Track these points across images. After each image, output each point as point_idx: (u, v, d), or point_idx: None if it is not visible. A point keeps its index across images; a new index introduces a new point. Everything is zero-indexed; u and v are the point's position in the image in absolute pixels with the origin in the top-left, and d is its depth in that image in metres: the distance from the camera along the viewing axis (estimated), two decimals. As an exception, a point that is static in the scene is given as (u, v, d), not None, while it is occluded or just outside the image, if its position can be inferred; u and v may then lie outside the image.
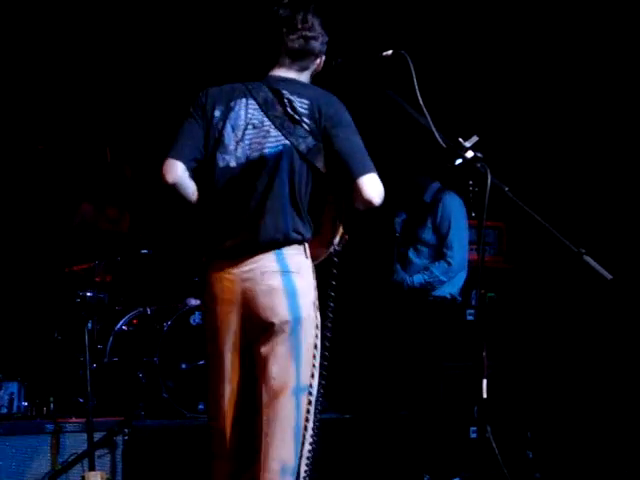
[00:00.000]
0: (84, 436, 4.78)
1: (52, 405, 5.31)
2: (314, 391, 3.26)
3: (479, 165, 3.08)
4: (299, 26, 3.36)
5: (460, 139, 3.14)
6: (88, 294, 5.54)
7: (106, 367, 5.69)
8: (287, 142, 3.24)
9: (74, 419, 4.99)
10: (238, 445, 3.30)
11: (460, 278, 5.80)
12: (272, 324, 3.19)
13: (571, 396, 6.11)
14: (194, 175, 3.31)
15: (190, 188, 3.31)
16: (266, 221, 3.21)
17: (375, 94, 3.25)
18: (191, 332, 5.70)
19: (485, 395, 3.05)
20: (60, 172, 6.86)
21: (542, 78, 6.58)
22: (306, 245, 3.28)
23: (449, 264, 5.71)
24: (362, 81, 3.28)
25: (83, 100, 7.06)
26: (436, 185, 5.96)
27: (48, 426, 4.84)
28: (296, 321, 3.20)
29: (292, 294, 3.21)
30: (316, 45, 3.39)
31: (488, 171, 3.04)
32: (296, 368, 3.21)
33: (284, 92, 3.29)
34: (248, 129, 3.28)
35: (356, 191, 3.19)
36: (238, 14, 6.15)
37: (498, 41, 6.60)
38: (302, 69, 3.41)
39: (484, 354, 3.05)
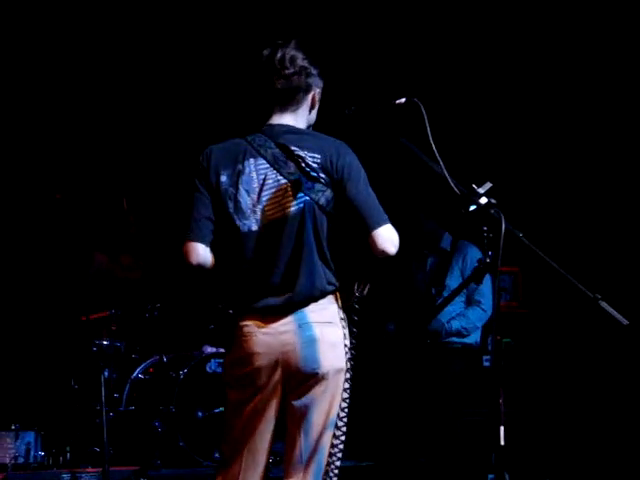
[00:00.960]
0: (101, 486, 4.77)
1: (68, 454, 5.30)
2: (343, 439, 3.28)
3: (493, 211, 3.09)
4: (278, 66, 3.33)
5: (474, 185, 3.15)
6: (104, 343, 5.56)
7: (122, 416, 5.69)
8: (307, 198, 3.25)
9: (90, 469, 4.99)
10: None
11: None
12: (314, 374, 3.22)
13: (589, 443, 6.04)
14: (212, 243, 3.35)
15: (210, 260, 3.34)
16: (301, 280, 3.23)
17: (389, 142, 3.27)
18: (207, 380, 5.69)
19: (503, 442, 3.03)
20: (77, 221, 6.90)
21: (556, 125, 6.61)
22: (337, 294, 3.31)
23: (484, 311, 5.72)
24: (376, 129, 3.30)
25: (101, 150, 7.13)
26: (447, 233, 5.99)
27: (64, 476, 4.85)
28: (336, 370, 3.24)
29: (331, 344, 3.24)
30: (301, 80, 3.35)
31: (502, 217, 3.04)
32: (335, 416, 3.25)
33: (293, 148, 3.28)
34: (264, 190, 3.28)
35: (372, 243, 3.22)
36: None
37: (512, 88, 6.63)
38: (296, 109, 3.38)
39: (501, 401, 3.03)
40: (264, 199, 3.28)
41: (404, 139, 3.24)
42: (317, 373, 3.21)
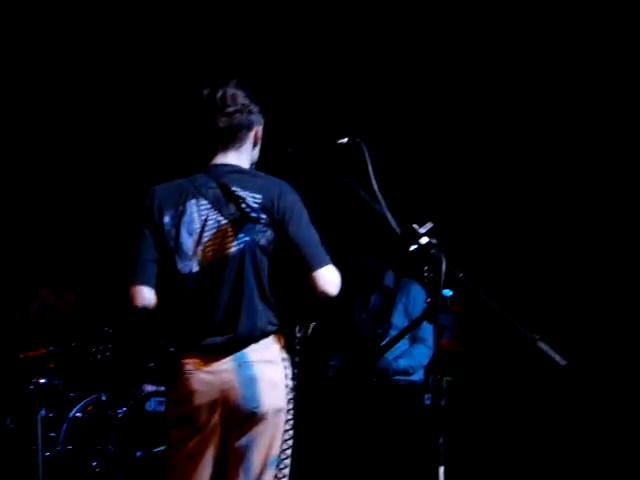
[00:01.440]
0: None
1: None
2: (286, 478, 3.29)
3: (434, 251, 3.11)
4: (220, 104, 3.35)
5: (415, 225, 3.17)
6: (42, 380, 5.46)
7: (60, 456, 5.58)
8: (248, 239, 3.26)
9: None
10: None
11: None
12: (254, 414, 3.21)
13: (529, 477, 6.09)
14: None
15: (154, 302, 3.35)
16: (242, 320, 3.24)
17: (331, 181, 3.28)
18: (147, 419, 5.63)
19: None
20: (18, 257, 6.82)
21: (491, 166, 6.70)
22: (279, 334, 3.32)
23: (429, 348, 5.73)
24: (318, 168, 3.31)
25: (40, 187, 7.06)
26: (390, 270, 6.01)
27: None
28: (276, 410, 3.24)
29: (271, 383, 3.25)
30: (243, 118, 3.38)
31: (443, 257, 3.06)
32: (276, 456, 3.25)
33: (234, 188, 3.29)
34: (206, 231, 3.29)
35: (313, 283, 3.24)
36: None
37: (450, 130, 6.72)
38: (239, 146, 3.41)
39: (441, 440, 3.03)
40: (205, 240, 3.28)
41: (347, 179, 3.25)
42: (256, 413, 3.21)
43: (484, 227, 6.74)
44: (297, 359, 3.34)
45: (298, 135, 3.53)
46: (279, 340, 3.31)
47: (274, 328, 3.29)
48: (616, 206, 6.32)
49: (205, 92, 3.40)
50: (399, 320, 5.84)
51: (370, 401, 5.76)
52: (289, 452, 3.28)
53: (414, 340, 5.83)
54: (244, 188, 3.29)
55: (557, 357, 2.97)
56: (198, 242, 3.29)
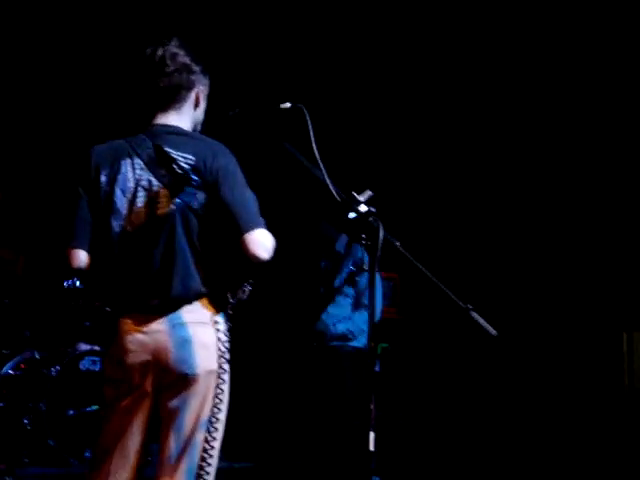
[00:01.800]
0: (-36, 484, 4.64)
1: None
2: (217, 440, 3.28)
3: (372, 219, 3.12)
4: (159, 64, 3.33)
5: (354, 193, 3.18)
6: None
7: (-9, 412, 5.53)
8: (179, 201, 3.24)
9: (-46, 466, 4.84)
10: None
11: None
12: (185, 375, 3.21)
13: (463, 444, 6.19)
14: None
15: (89, 262, 3.34)
16: (174, 281, 3.22)
17: (272, 145, 3.27)
18: (80, 378, 5.59)
19: (372, 447, 3.06)
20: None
21: (431, 129, 6.73)
22: (213, 298, 3.30)
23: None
24: (259, 132, 3.30)
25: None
26: (344, 235, 6.01)
27: None
28: (207, 372, 3.24)
29: (203, 345, 3.24)
30: (182, 78, 3.36)
31: (380, 225, 3.08)
32: (207, 418, 3.25)
33: (167, 149, 3.26)
34: (139, 191, 3.27)
35: (244, 247, 3.23)
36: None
37: (390, 95, 6.73)
38: (179, 107, 3.38)
39: (372, 406, 3.07)
40: (138, 200, 3.26)
41: (287, 144, 3.25)
42: (188, 374, 3.21)
43: (424, 196, 6.79)
44: (230, 324, 3.35)
45: (240, 98, 3.51)
46: (212, 303, 3.30)
47: (207, 290, 3.27)
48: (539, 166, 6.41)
49: (147, 51, 3.37)
50: (345, 284, 5.84)
51: (311, 365, 5.77)
52: (221, 416, 3.28)
53: (357, 306, 5.84)
54: (177, 149, 3.27)
55: (488, 327, 3.02)
56: (132, 202, 3.26)
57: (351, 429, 5.50)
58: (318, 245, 6.03)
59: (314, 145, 3.12)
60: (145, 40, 3.40)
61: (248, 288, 3.41)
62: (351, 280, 5.75)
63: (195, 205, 3.23)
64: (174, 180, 3.24)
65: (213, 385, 3.26)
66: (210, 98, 3.51)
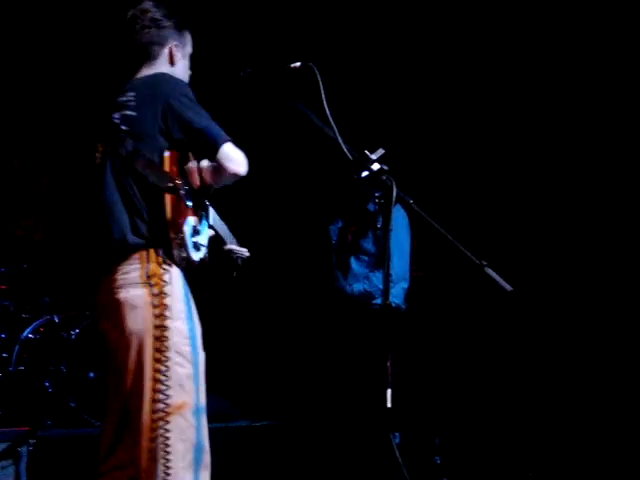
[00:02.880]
0: (-12, 447, 4.70)
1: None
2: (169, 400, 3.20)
3: (385, 177, 3.12)
4: (132, 22, 3.40)
5: (367, 152, 3.18)
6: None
7: (11, 376, 5.58)
8: (108, 148, 3.27)
9: (-23, 429, 4.90)
10: None
11: (399, 288, 5.79)
12: (118, 339, 3.25)
13: (478, 401, 6.21)
14: None
15: None
16: (107, 235, 3.26)
17: (283, 105, 3.26)
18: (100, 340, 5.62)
19: (390, 404, 3.08)
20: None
21: (447, 89, 6.68)
22: (156, 251, 3.24)
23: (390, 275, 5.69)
24: (270, 92, 3.29)
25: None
26: (378, 194, 5.97)
27: (-50, 436, 4.73)
28: (137, 333, 3.21)
29: (131, 306, 3.22)
30: (152, 33, 3.40)
31: (393, 183, 3.08)
32: (142, 380, 3.21)
33: (118, 99, 3.31)
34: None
35: (218, 164, 3.21)
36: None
37: (403, 53, 6.67)
38: (152, 63, 3.42)
39: (388, 364, 3.08)
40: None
41: (299, 103, 3.24)
42: (120, 337, 3.24)
43: (437, 153, 6.75)
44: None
45: (251, 58, 3.50)
46: (151, 257, 3.23)
47: (142, 242, 3.22)
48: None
49: (127, 14, 3.44)
50: (369, 244, 5.83)
51: (341, 323, 5.77)
52: (165, 379, 3.17)
53: (378, 266, 5.81)
54: (126, 94, 3.31)
55: (503, 283, 3.02)
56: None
57: (372, 387, 5.53)
58: (338, 200, 6.00)
59: (325, 104, 3.11)
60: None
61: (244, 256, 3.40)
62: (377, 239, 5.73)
63: (123, 152, 3.19)
64: (107, 130, 3.27)
65: (148, 347, 3.19)
66: (222, 59, 3.51)
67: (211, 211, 3.51)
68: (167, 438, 3.14)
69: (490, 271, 3.03)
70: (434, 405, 5.86)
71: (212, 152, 3.19)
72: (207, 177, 3.29)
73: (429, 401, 5.83)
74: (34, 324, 5.80)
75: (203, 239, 3.37)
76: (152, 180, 3.16)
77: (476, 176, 6.65)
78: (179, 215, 3.20)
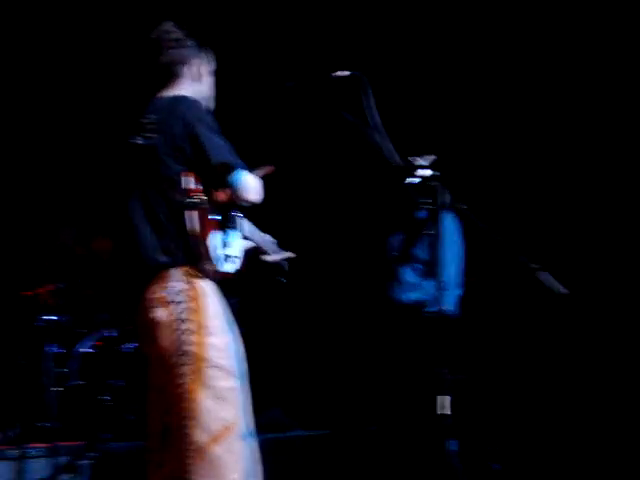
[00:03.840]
0: (49, 461, 4.74)
1: (17, 431, 5.26)
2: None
3: (435, 184, 3.11)
4: (156, 42, 3.47)
5: (417, 158, 3.17)
6: (49, 317, 5.51)
7: (71, 390, 5.65)
8: (129, 169, 3.40)
9: (38, 444, 4.94)
10: None
11: (452, 295, 5.74)
12: (155, 357, 3.37)
13: (531, 409, 6.15)
14: None
15: None
16: (138, 255, 3.37)
17: (330, 114, 3.26)
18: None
19: (448, 411, 3.07)
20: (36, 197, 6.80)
21: (498, 98, 6.64)
22: (184, 267, 3.28)
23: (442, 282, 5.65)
24: (317, 102, 3.29)
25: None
26: (429, 200, 5.91)
27: (11, 452, 4.78)
28: (168, 353, 3.28)
29: (161, 326, 3.29)
30: (176, 53, 3.46)
31: (444, 190, 3.07)
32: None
33: (140, 120, 3.38)
34: None
35: (232, 191, 3.27)
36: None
37: (452, 62, 6.65)
38: (177, 82, 3.47)
39: (445, 370, 3.07)
40: None
41: (345, 112, 3.23)
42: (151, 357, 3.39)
43: (488, 160, 6.71)
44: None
45: (297, 69, 3.50)
46: (177, 274, 3.26)
47: (169, 259, 3.26)
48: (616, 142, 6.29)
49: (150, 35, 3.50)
50: (421, 252, 5.79)
51: (395, 333, 5.74)
52: (206, 395, 3.21)
53: (430, 273, 5.77)
54: (149, 114, 3.37)
55: (559, 286, 2.99)
56: None
57: (426, 395, 5.49)
58: (396, 210, 5.96)
59: (375, 111, 3.10)
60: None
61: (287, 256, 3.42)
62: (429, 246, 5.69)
63: (148, 168, 3.30)
64: (128, 152, 3.38)
65: (183, 363, 3.22)
66: (268, 70, 3.53)
67: (245, 223, 3.54)
68: (218, 457, 3.16)
69: (545, 274, 3.00)
70: (490, 412, 5.82)
71: (225, 179, 3.25)
72: (225, 197, 3.35)
73: (484, 408, 5.79)
74: (92, 338, 5.86)
75: (235, 251, 3.39)
76: (175, 197, 3.22)
77: (527, 180, 6.60)
78: (204, 229, 3.23)
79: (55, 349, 5.63)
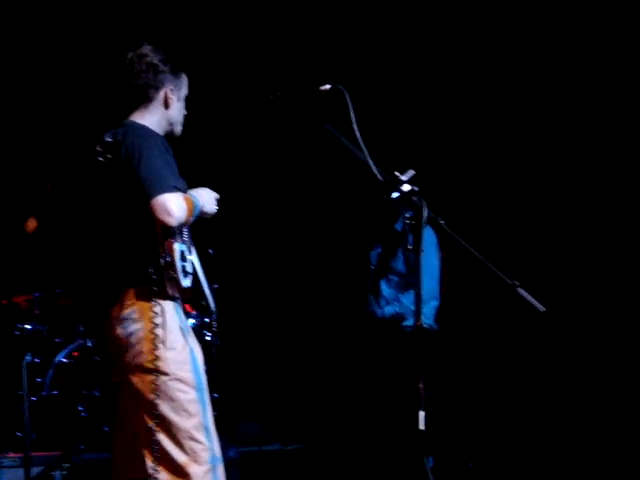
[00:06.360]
0: (22, 471, 4.71)
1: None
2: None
3: (415, 198, 3.12)
4: (129, 66, 3.56)
5: (397, 173, 3.18)
6: (27, 326, 5.48)
7: (45, 400, 5.62)
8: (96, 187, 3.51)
9: (12, 454, 4.91)
10: None
11: (430, 307, 5.75)
12: (121, 374, 3.57)
13: (510, 423, 6.17)
14: None
15: None
16: (105, 271, 3.58)
17: (313, 128, 3.27)
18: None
19: (423, 427, 3.07)
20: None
21: (476, 112, 6.67)
22: (146, 284, 3.40)
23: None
24: (300, 115, 3.30)
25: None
26: (409, 214, 5.93)
27: (-15, 461, 4.76)
28: (134, 368, 3.45)
29: (128, 342, 3.45)
30: (149, 77, 3.54)
31: (424, 204, 3.08)
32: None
33: (104, 137, 3.48)
34: None
35: (152, 212, 3.32)
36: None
37: (434, 75, 6.68)
38: (147, 105, 3.56)
39: (421, 385, 3.07)
40: None
41: (328, 125, 3.25)
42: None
43: (467, 175, 6.73)
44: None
45: (280, 82, 3.52)
46: (139, 290, 3.38)
47: (132, 276, 3.39)
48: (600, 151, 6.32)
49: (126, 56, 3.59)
50: (398, 264, 5.80)
51: (371, 347, 5.75)
52: (168, 407, 3.39)
53: (406, 287, 5.78)
54: (112, 134, 3.47)
55: (536, 304, 3.00)
56: None
57: (404, 410, 5.49)
58: (375, 224, 5.98)
59: (355, 126, 3.12)
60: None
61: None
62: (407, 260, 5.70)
63: (109, 189, 3.45)
64: (90, 168, 3.49)
65: (147, 378, 3.36)
66: (250, 83, 3.55)
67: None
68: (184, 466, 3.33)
69: (523, 291, 3.01)
70: (467, 428, 5.82)
71: (149, 197, 3.33)
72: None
73: (462, 424, 5.79)
74: (68, 348, 5.83)
75: (190, 267, 3.48)
76: (135, 214, 3.37)
77: (508, 197, 6.62)
78: (168, 240, 3.36)
79: (29, 358, 5.59)
